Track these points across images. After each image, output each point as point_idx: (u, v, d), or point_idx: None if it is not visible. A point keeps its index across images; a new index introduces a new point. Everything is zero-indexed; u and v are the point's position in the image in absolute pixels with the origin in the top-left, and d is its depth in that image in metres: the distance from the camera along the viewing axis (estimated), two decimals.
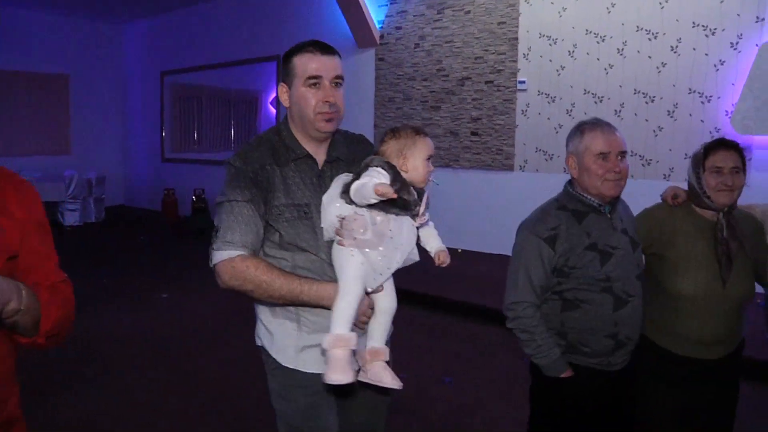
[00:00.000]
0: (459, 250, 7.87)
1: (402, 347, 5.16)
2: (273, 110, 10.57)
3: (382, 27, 8.94)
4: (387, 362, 1.97)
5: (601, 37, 7.03)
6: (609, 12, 6.96)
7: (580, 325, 2.21)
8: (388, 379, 1.92)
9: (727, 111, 6.33)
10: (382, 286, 1.94)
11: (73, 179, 11.07)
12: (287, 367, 2.03)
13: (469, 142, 8.13)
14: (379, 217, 1.86)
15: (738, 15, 6.26)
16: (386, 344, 2.03)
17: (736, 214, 2.37)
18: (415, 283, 6.62)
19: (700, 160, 2.33)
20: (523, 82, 7.61)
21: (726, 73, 6.36)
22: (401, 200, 1.85)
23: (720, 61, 6.39)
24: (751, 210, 2.56)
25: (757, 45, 6.15)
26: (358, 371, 1.93)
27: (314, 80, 1.93)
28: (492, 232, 7.81)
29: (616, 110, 6.96)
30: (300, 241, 1.93)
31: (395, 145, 1.94)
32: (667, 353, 2.38)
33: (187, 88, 12.43)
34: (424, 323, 5.82)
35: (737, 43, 6.30)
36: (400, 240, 1.88)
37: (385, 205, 1.83)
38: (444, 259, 2.03)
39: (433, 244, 2.06)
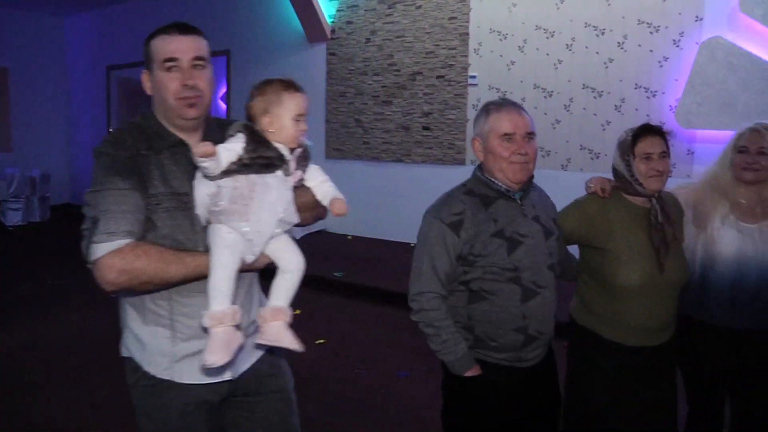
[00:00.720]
0: (412, 245, 7.81)
1: (358, 343, 5.21)
2: (224, 105, 10.33)
3: (333, 21, 8.81)
4: (289, 325, 1.81)
5: (550, 32, 7.06)
6: (558, 8, 6.99)
7: (487, 317, 2.09)
8: (288, 340, 1.75)
9: (671, 106, 6.43)
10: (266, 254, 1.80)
11: (15, 177, 10.64)
12: (160, 381, 1.82)
13: (421, 137, 8.09)
14: (238, 183, 1.72)
15: (679, 14, 6.37)
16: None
17: (664, 196, 2.34)
18: (371, 279, 6.58)
19: (628, 147, 2.27)
20: (474, 76, 7.60)
21: (669, 69, 6.46)
22: (261, 159, 1.73)
23: (664, 57, 6.48)
24: (676, 193, 2.55)
25: (697, 43, 6.26)
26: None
27: (171, 63, 1.75)
28: None
29: (565, 105, 7.01)
30: (178, 234, 1.74)
31: (261, 104, 1.78)
32: (615, 345, 2.31)
33: (134, 82, 11.95)
34: (379, 318, 5.75)
35: (679, 40, 6.41)
36: (265, 202, 1.73)
37: (245, 169, 1.71)
38: (340, 208, 1.88)
39: (327, 193, 1.91)
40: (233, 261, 1.70)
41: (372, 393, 4.15)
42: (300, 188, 1.87)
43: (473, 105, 7.66)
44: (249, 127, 1.76)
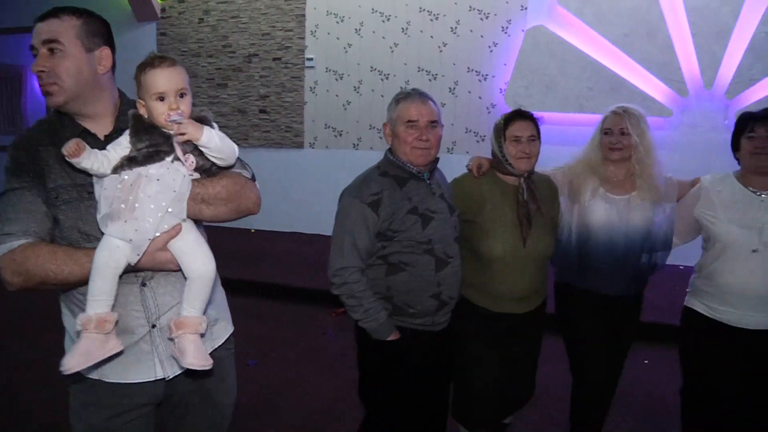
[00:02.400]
0: (252, 230, 7.42)
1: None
2: None
3: None
4: (202, 336, 1.62)
5: (386, 16, 6.95)
6: None
7: (406, 287, 2.22)
8: (190, 357, 1.54)
9: (501, 89, 6.57)
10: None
11: None
12: (88, 380, 1.66)
13: (258, 120, 7.67)
14: (124, 179, 1.53)
15: (506, 2, 6.55)
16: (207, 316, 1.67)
17: (534, 178, 2.47)
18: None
19: (500, 130, 2.42)
20: (311, 59, 7.32)
21: (498, 54, 6.61)
22: (148, 149, 1.55)
23: (494, 42, 6.62)
24: (555, 173, 2.65)
25: (522, 30, 6.46)
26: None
27: (34, 50, 1.61)
28: (285, 210, 7.43)
29: (401, 87, 6.86)
30: (83, 225, 1.59)
31: (137, 90, 1.62)
32: (486, 311, 2.46)
33: None
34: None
35: (507, 27, 6.57)
36: (145, 196, 1.52)
37: (130, 162, 1.54)
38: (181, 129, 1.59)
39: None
40: (113, 263, 1.51)
41: (267, 391, 3.79)
42: (208, 178, 1.65)
43: (310, 87, 7.38)
44: (135, 115, 1.60)
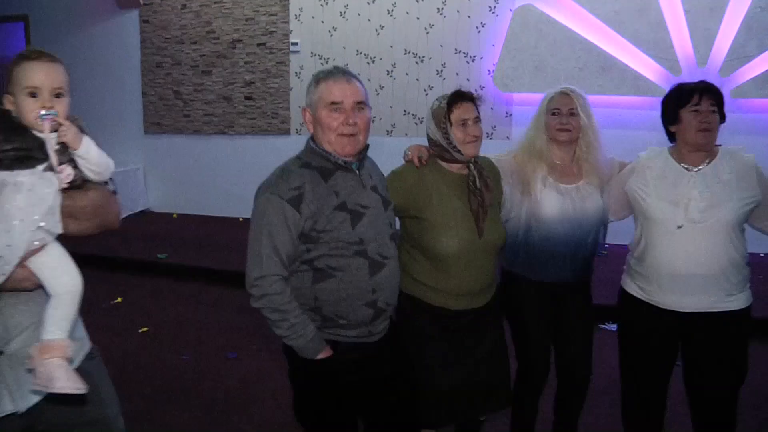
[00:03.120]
0: (240, 219, 7.28)
1: (182, 324, 4.51)
2: None
3: None
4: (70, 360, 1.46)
5: None
6: None
7: (336, 295, 1.92)
8: (61, 382, 1.38)
9: (489, 70, 6.39)
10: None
11: None
12: None
13: (244, 107, 7.46)
14: None
15: None
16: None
17: (481, 163, 2.27)
18: (196, 258, 5.93)
19: (443, 114, 2.17)
20: (296, 43, 7.09)
21: (486, 35, 6.41)
22: (14, 152, 1.37)
23: (481, 23, 6.41)
24: (499, 161, 2.51)
25: (511, 10, 6.25)
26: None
27: None
28: None
29: (388, 70, 6.74)
30: None
31: (7, 85, 1.45)
32: (440, 310, 2.23)
33: None
34: (203, 298, 5.15)
35: (495, 6, 6.37)
36: (13, 207, 1.35)
37: None
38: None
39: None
40: None
41: (199, 378, 3.69)
42: (74, 190, 1.49)
43: (296, 73, 7.17)
44: (1, 110, 1.43)
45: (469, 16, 6.43)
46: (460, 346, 2.27)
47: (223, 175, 7.59)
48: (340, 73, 1.96)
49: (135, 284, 5.49)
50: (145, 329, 4.48)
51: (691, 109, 2.26)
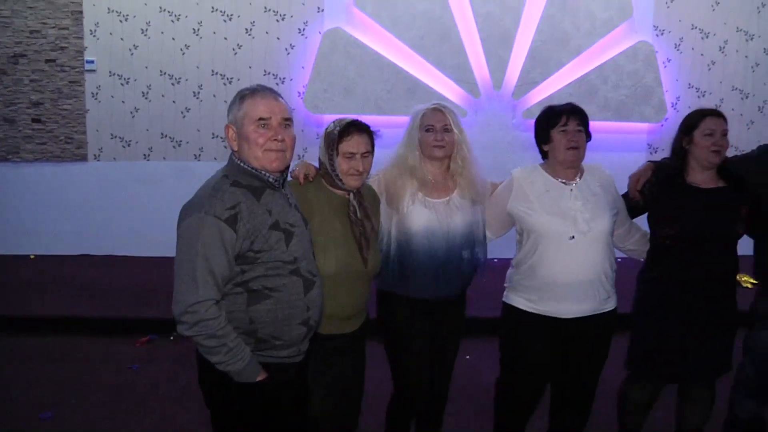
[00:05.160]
0: (32, 256, 6.32)
1: None
2: None
3: None
4: None
5: (175, 15, 6.27)
6: None
7: (272, 316, 1.87)
8: None
9: (299, 92, 6.25)
10: None
11: None
12: None
13: (31, 131, 6.53)
14: None
15: (303, 4, 6.26)
16: None
17: (362, 191, 2.29)
18: None
19: (334, 143, 2.18)
20: (92, 61, 6.39)
21: (296, 57, 6.29)
22: None
23: (291, 45, 6.28)
24: (372, 181, 2.50)
25: (320, 32, 6.19)
26: None
27: None
28: (71, 231, 6.40)
29: (194, 92, 6.30)
30: None
31: None
32: (317, 335, 2.13)
33: None
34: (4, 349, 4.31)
35: (304, 29, 6.27)
36: None
37: None
38: None
39: None
40: None
41: None
42: None
43: (92, 93, 6.43)
44: None
45: (278, 38, 6.26)
46: (323, 375, 2.22)
47: (9, 208, 6.55)
48: (266, 90, 1.94)
49: None
50: None
51: (559, 129, 2.41)
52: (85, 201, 6.44)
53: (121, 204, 6.40)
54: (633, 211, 2.63)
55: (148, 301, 4.85)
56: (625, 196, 2.62)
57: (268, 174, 1.91)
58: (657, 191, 2.51)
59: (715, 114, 2.47)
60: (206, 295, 1.76)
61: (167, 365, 4.02)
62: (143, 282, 5.37)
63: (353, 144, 2.18)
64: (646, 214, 2.61)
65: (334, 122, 2.24)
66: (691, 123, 2.48)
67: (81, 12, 6.38)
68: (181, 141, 6.37)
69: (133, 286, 5.26)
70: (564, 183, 2.45)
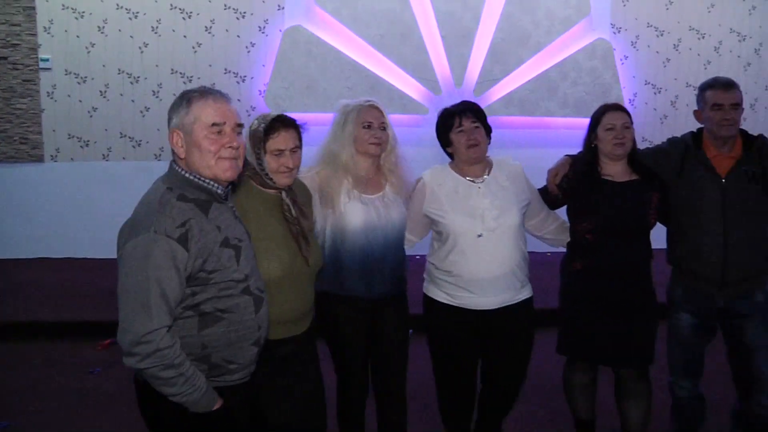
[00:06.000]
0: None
1: None
2: None
3: None
4: None
5: (133, 13, 6.13)
6: None
7: (226, 339, 1.74)
8: None
9: (260, 90, 6.18)
10: None
11: None
12: None
13: None
14: None
15: (263, 1, 6.19)
16: None
17: (294, 188, 2.21)
18: None
19: (260, 141, 2.08)
20: (47, 59, 6.21)
21: (257, 55, 6.22)
22: None
23: (251, 43, 6.20)
24: (305, 178, 2.42)
25: (280, 30, 6.13)
26: None
27: None
28: (28, 234, 6.24)
29: (154, 91, 6.18)
30: None
31: None
32: (268, 342, 2.00)
33: None
34: None
35: (264, 27, 6.20)
36: None
37: None
38: None
39: None
40: None
41: None
42: None
43: (48, 92, 6.25)
44: None
45: (238, 36, 6.17)
46: (281, 379, 2.15)
47: None
48: (217, 93, 1.77)
49: None
50: None
51: (456, 130, 2.45)
52: (43, 203, 6.27)
53: (80, 205, 6.25)
54: (552, 204, 2.69)
55: (109, 304, 4.70)
56: (544, 189, 2.66)
57: (216, 185, 1.76)
58: (574, 185, 2.58)
59: (616, 108, 2.56)
60: (161, 322, 1.60)
61: (129, 368, 3.93)
62: (103, 284, 5.25)
63: (281, 140, 2.07)
64: (565, 207, 2.68)
65: (257, 119, 2.13)
66: (595, 118, 2.57)
67: (34, 8, 6.19)
68: (141, 141, 6.25)
69: (93, 289, 5.14)
70: (472, 181, 2.48)
